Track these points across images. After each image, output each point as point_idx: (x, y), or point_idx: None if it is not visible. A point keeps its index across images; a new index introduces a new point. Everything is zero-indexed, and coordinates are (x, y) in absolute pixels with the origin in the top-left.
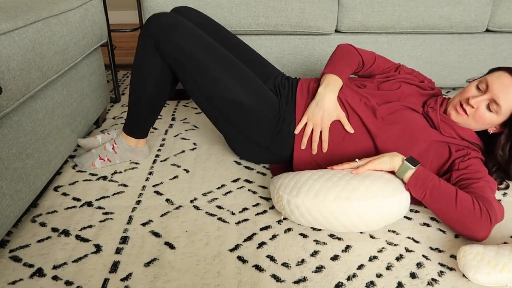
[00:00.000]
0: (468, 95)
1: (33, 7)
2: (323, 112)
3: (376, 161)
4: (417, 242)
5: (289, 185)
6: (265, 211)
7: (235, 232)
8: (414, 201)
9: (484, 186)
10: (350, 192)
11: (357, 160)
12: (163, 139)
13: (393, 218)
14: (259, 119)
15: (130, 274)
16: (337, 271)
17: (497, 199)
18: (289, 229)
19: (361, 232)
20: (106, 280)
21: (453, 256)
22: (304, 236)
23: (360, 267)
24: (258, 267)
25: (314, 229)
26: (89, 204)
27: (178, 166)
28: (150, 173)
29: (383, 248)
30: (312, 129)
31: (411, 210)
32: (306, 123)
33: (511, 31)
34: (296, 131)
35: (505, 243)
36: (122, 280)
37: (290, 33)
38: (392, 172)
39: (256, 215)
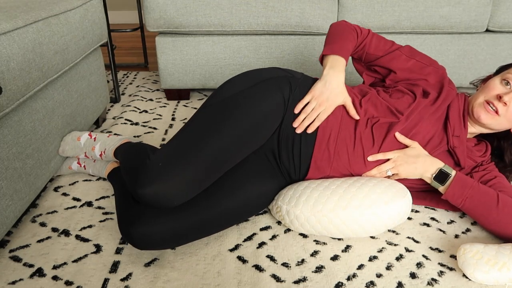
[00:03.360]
0: (497, 92)
1: (33, 7)
2: (330, 93)
3: (406, 167)
4: (417, 242)
5: (287, 195)
6: (265, 212)
7: (235, 232)
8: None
9: (504, 183)
10: (348, 201)
11: (388, 171)
12: (163, 139)
13: (394, 223)
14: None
15: (130, 274)
16: (337, 271)
17: None
18: (289, 229)
19: None
20: (106, 280)
21: (453, 256)
22: (304, 236)
23: (360, 267)
24: (258, 267)
25: None
26: (89, 204)
27: None
28: None
29: (383, 248)
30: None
31: (411, 210)
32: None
33: (511, 31)
34: (296, 110)
35: (505, 242)
36: (122, 280)
37: (290, 33)
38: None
39: (256, 215)
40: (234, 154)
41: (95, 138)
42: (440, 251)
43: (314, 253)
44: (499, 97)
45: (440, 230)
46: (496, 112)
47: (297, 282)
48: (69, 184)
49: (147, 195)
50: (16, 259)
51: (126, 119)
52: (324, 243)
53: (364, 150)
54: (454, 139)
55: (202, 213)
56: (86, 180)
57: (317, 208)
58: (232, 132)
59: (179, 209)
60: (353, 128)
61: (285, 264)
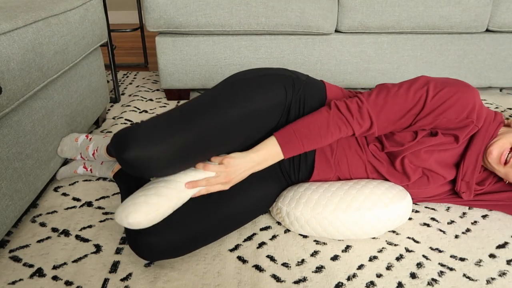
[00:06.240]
0: None
1: (33, 7)
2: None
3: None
4: (417, 242)
5: (288, 196)
6: (265, 212)
7: (235, 232)
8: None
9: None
10: (349, 203)
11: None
12: None
13: (394, 224)
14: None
15: (130, 274)
16: (337, 271)
17: None
18: (289, 230)
19: None
20: (106, 280)
21: (453, 256)
22: (304, 236)
23: (360, 267)
24: (258, 267)
25: None
26: (89, 204)
27: None
28: None
29: (383, 248)
30: None
31: (411, 210)
32: None
33: (511, 31)
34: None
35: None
36: (122, 280)
37: (290, 33)
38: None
39: None
40: (226, 135)
41: (90, 139)
42: (440, 251)
43: (314, 253)
44: None
45: (440, 230)
46: (506, 163)
47: (297, 282)
48: (69, 184)
49: (128, 157)
50: (16, 259)
51: (126, 119)
52: (324, 243)
53: (364, 159)
54: (463, 184)
55: (206, 221)
56: (86, 180)
57: (317, 210)
58: (228, 111)
59: (183, 218)
60: (352, 137)
61: (285, 264)
